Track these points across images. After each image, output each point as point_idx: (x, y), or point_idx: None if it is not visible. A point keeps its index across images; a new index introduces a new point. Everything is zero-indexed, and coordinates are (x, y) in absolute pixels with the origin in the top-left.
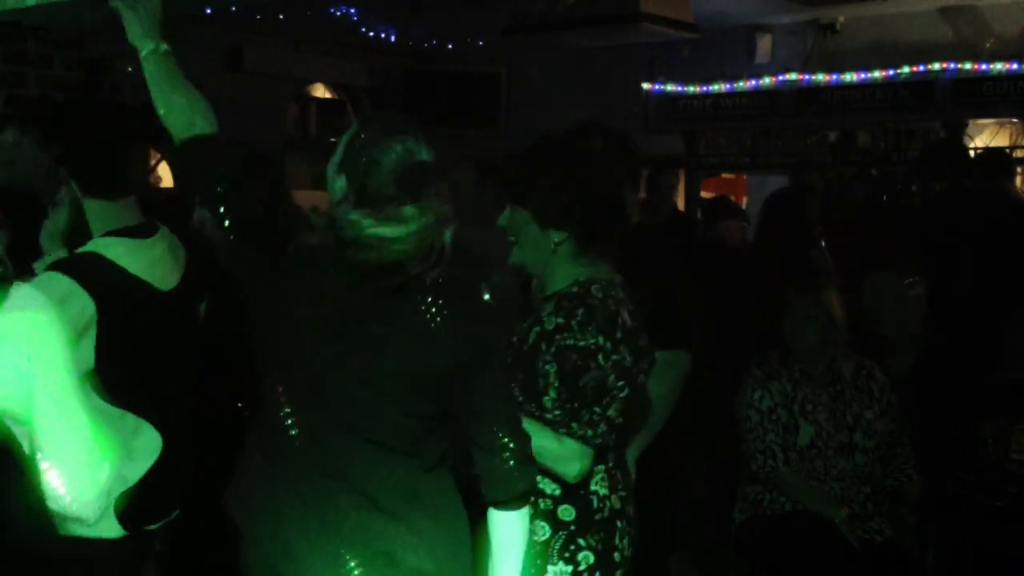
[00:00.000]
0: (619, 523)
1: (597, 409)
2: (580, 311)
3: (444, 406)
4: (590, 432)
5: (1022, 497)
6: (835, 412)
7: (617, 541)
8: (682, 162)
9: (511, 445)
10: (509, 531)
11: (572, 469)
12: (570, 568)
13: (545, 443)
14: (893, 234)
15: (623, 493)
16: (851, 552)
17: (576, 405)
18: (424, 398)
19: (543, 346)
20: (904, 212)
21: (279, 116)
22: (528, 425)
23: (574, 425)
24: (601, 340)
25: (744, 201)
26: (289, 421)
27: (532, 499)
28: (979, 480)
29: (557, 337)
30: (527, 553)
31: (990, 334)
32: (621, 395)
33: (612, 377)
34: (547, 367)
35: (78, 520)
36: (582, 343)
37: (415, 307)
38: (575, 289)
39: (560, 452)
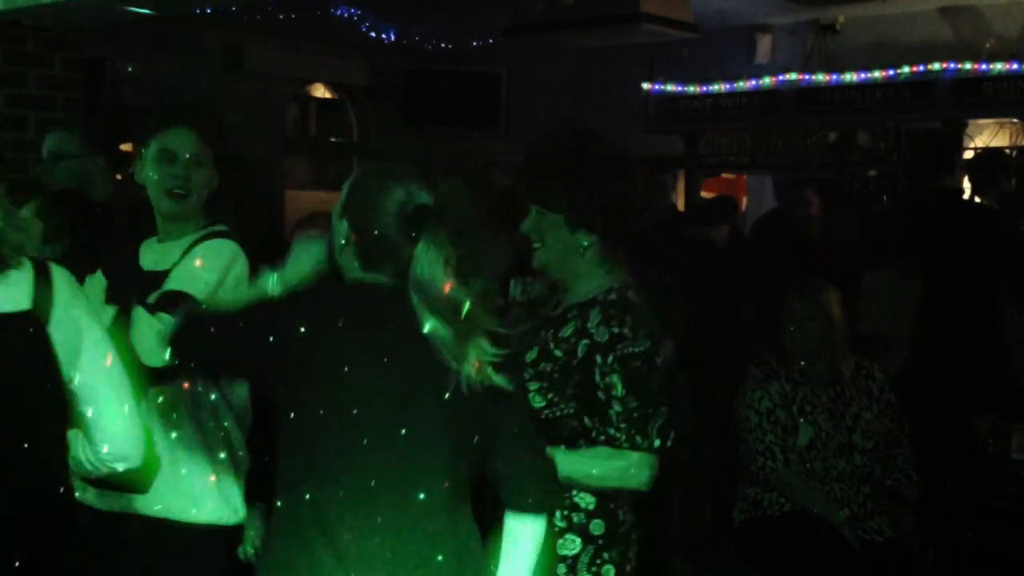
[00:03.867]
0: (633, 535)
1: (662, 411)
2: (629, 318)
3: (467, 435)
4: (658, 442)
5: (1022, 497)
6: (834, 412)
7: (631, 554)
8: (682, 162)
9: (533, 460)
10: (526, 538)
11: (644, 477)
12: None
13: (609, 465)
14: (886, 234)
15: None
16: (851, 552)
17: (649, 411)
18: (449, 431)
19: (598, 358)
20: (893, 210)
21: (279, 116)
22: (581, 456)
23: (639, 437)
24: (649, 344)
25: (744, 201)
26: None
27: (552, 513)
28: (979, 480)
29: (618, 346)
30: (544, 566)
31: (981, 332)
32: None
33: (664, 382)
34: (611, 378)
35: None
36: (640, 348)
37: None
38: (613, 296)
39: (627, 466)
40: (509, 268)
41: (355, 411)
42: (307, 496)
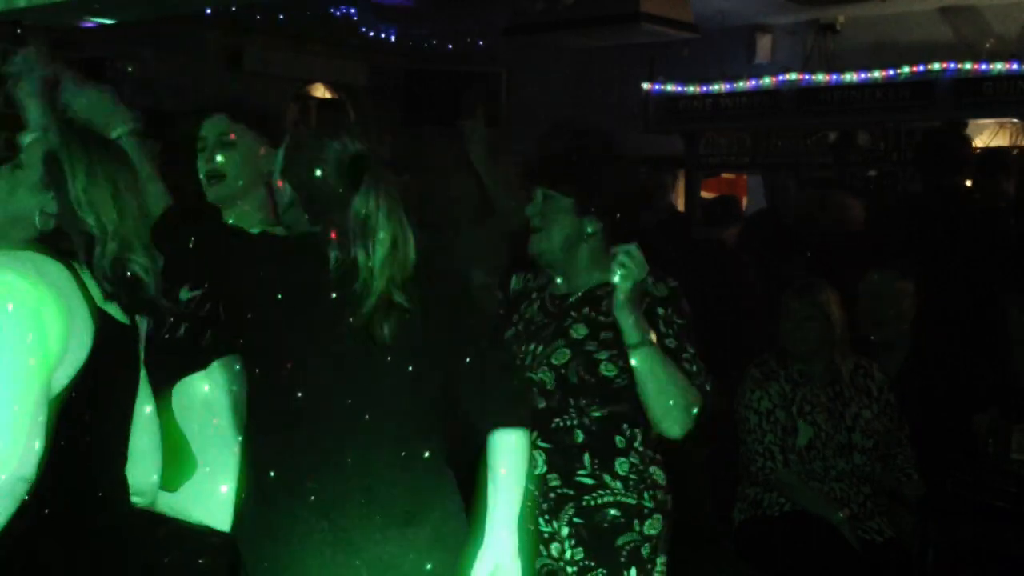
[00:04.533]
0: None
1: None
2: (673, 280)
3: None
4: (705, 380)
5: (1022, 497)
6: (833, 412)
7: None
8: (682, 162)
9: (506, 378)
10: (513, 454)
11: (691, 414)
12: (664, 559)
13: (680, 376)
14: (886, 233)
15: None
16: (851, 552)
17: (696, 354)
18: (423, 385)
19: (660, 310)
20: (893, 210)
21: (279, 116)
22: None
23: (705, 377)
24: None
25: (744, 201)
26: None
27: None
28: (979, 480)
29: (679, 298)
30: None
31: (981, 331)
32: None
33: None
34: (675, 327)
35: None
36: (687, 307)
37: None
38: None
39: (691, 393)
40: (510, 262)
41: (322, 371)
42: (288, 467)
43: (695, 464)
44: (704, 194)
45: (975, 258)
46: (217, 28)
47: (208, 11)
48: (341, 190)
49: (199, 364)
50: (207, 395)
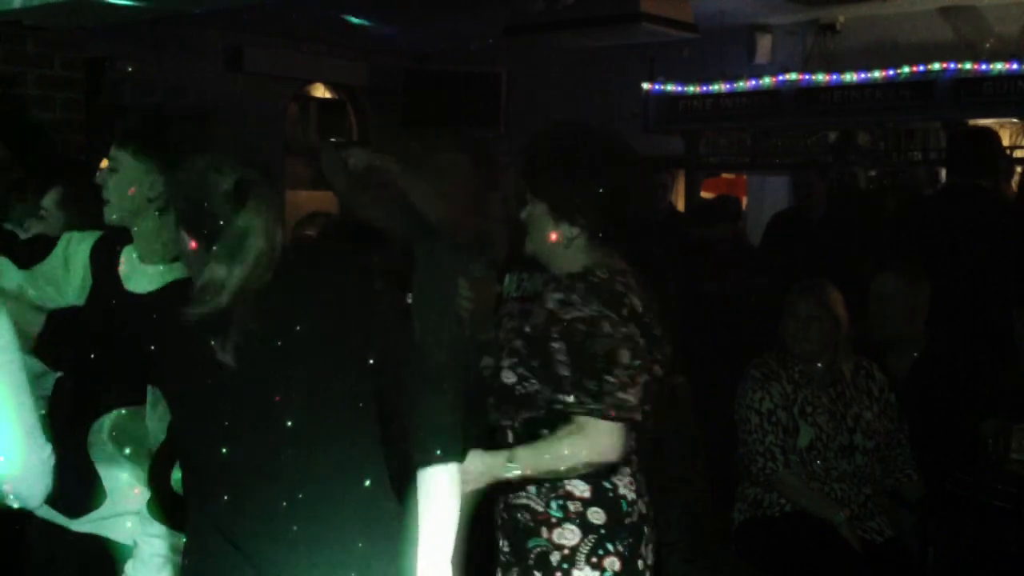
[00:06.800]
0: (645, 529)
1: (609, 378)
2: (581, 286)
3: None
4: (614, 411)
5: (1022, 497)
6: (835, 414)
7: (643, 548)
8: (682, 162)
9: (432, 408)
10: (439, 490)
11: (602, 446)
12: (596, 574)
13: (563, 446)
14: (896, 232)
15: (647, 499)
16: (851, 552)
17: (602, 378)
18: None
19: (551, 327)
20: (904, 210)
21: (279, 116)
22: (545, 445)
23: (592, 402)
24: (605, 311)
25: (744, 201)
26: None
27: (461, 459)
28: (979, 480)
29: (562, 313)
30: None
31: (990, 333)
32: (638, 374)
33: (624, 351)
34: (554, 344)
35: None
36: (585, 313)
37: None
38: (577, 270)
39: (593, 438)
40: (505, 261)
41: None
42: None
43: (695, 465)
44: (704, 194)
45: (985, 259)
46: (217, 28)
47: (208, 11)
48: (227, 215)
49: (104, 409)
50: (113, 436)
